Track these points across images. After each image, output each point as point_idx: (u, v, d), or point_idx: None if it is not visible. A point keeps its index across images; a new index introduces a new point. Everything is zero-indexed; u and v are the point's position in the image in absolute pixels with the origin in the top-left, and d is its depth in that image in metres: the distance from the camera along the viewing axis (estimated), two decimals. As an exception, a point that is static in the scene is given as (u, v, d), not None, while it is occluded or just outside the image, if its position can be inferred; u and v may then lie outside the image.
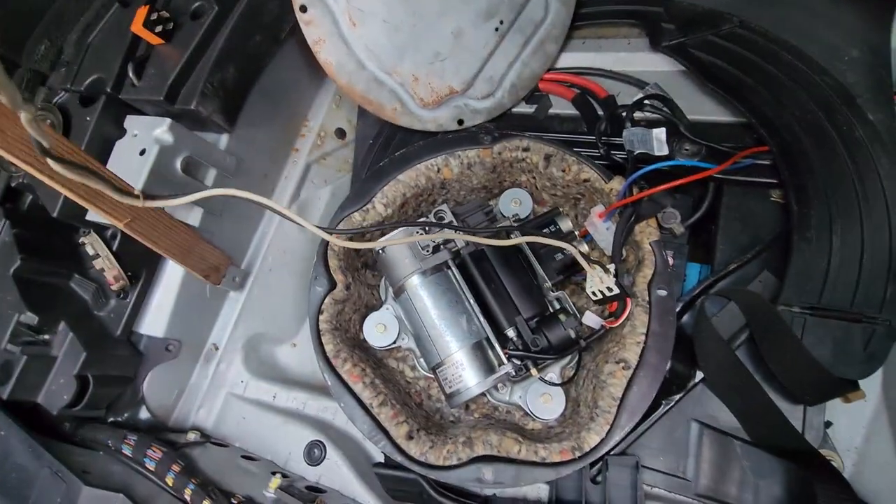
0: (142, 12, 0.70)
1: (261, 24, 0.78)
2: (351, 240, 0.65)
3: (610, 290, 0.56)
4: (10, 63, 0.77)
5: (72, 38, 0.79)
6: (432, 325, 0.64)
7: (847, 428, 0.64)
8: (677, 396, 0.67)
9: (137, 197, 0.25)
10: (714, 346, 0.63)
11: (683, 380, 0.67)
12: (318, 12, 0.77)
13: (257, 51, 0.79)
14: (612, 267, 0.57)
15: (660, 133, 0.69)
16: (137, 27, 0.70)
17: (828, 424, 0.64)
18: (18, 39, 0.77)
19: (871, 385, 0.64)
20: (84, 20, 0.78)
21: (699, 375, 0.67)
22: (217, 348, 0.86)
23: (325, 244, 0.68)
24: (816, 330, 0.61)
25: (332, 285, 0.67)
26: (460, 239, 0.67)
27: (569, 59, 0.87)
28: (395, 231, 0.66)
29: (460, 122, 0.86)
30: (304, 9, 0.76)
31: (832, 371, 0.59)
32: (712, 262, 0.73)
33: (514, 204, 0.74)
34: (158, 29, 0.71)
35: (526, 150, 0.69)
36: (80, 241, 0.72)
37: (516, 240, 0.52)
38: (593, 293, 0.58)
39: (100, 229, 0.72)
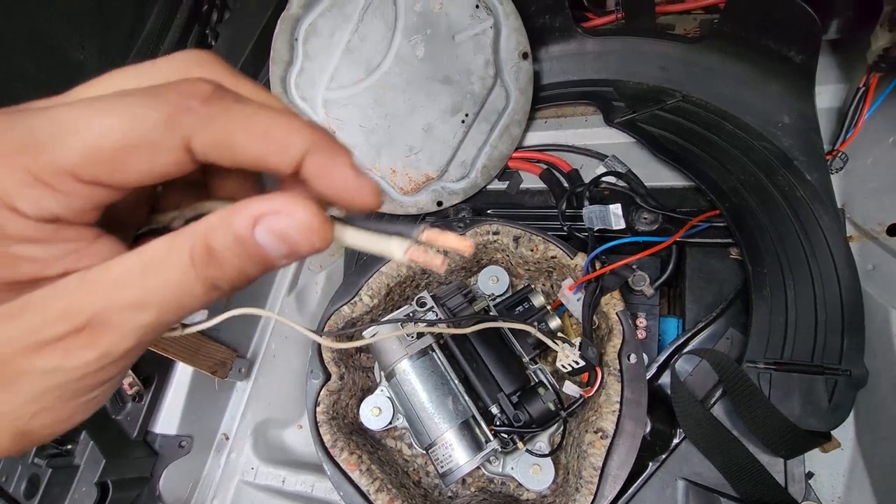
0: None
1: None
2: (338, 339, 0.70)
3: (577, 362, 0.60)
4: None
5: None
6: (422, 408, 0.69)
7: (829, 477, 0.65)
8: (663, 456, 0.69)
9: (176, 328, 0.28)
10: (689, 405, 0.67)
11: (666, 439, 0.70)
12: (301, 125, 0.86)
13: (249, 163, 0.88)
14: (577, 341, 0.61)
15: (616, 209, 0.74)
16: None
17: (810, 475, 0.66)
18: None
19: (846, 433, 0.66)
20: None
21: (681, 433, 0.70)
22: (227, 438, 0.91)
23: (319, 338, 0.74)
24: (782, 384, 0.64)
25: (328, 377, 0.72)
26: (440, 330, 0.72)
27: (534, 138, 0.94)
28: (381, 326, 0.71)
29: (439, 203, 0.93)
30: (288, 123, 0.86)
31: (802, 424, 0.61)
32: (684, 320, 0.77)
33: (492, 281, 0.79)
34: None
35: (496, 233, 0.76)
36: (97, 351, 0.78)
37: (479, 326, 0.56)
38: (563, 367, 0.62)
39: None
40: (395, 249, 0.24)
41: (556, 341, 0.61)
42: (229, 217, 0.19)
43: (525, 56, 0.87)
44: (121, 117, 0.18)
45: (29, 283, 0.19)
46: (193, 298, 0.19)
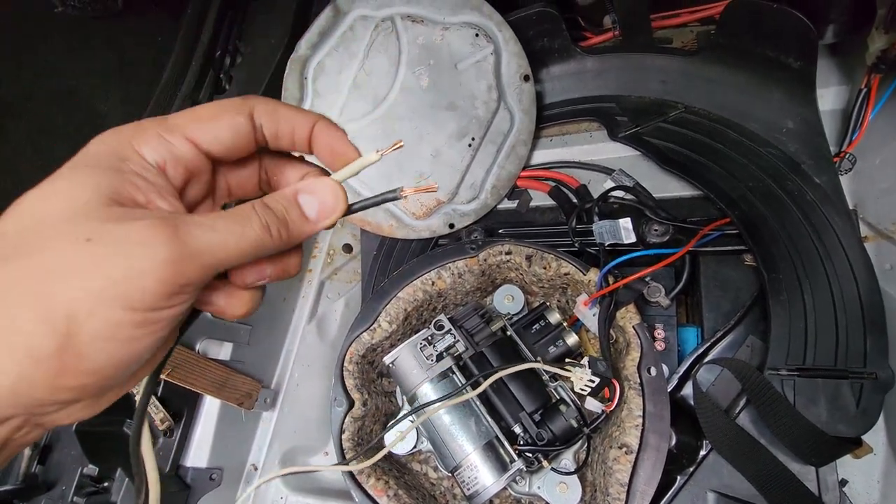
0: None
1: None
2: (366, 456, 0.68)
3: (592, 381, 0.61)
4: None
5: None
6: (445, 431, 0.69)
7: (863, 484, 0.64)
8: (691, 469, 0.69)
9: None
10: (714, 416, 0.66)
11: (693, 452, 0.69)
12: (314, 160, 0.89)
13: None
14: (585, 360, 0.62)
15: (626, 223, 0.75)
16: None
17: (843, 483, 0.64)
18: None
19: (877, 437, 0.65)
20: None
21: (708, 445, 0.69)
22: (256, 468, 0.92)
23: (341, 366, 0.76)
24: (807, 391, 0.63)
25: (351, 404, 0.74)
26: (461, 344, 0.73)
27: (540, 156, 0.96)
28: (400, 351, 0.73)
29: (451, 225, 0.95)
30: (301, 159, 0.89)
31: (830, 430, 0.61)
32: (702, 328, 0.77)
33: (508, 300, 0.81)
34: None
35: (508, 253, 0.77)
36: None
37: (487, 382, 0.58)
38: (581, 390, 0.62)
39: (145, 377, 0.82)
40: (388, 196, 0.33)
41: (566, 368, 0.61)
42: (282, 190, 0.30)
43: (526, 78, 0.89)
44: (212, 106, 0.30)
45: (130, 205, 0.26)
46: (256, 234, 0.28)
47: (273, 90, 0.91)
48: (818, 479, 0.63)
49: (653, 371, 0.66)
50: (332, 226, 0.32)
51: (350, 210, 0.33)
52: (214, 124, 0.29)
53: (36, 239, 0.23)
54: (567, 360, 0.65)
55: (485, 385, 0.63)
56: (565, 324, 0.74)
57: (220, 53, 0.97)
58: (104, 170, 0.26)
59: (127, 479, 0.74)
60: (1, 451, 0.26)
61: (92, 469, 0.74)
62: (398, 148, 0.33)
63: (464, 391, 0.66)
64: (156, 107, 0.95)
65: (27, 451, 0.78)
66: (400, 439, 0.70)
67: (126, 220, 0.24)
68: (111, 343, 0.23)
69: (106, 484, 0.75)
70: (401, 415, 0.77)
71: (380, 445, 0.70)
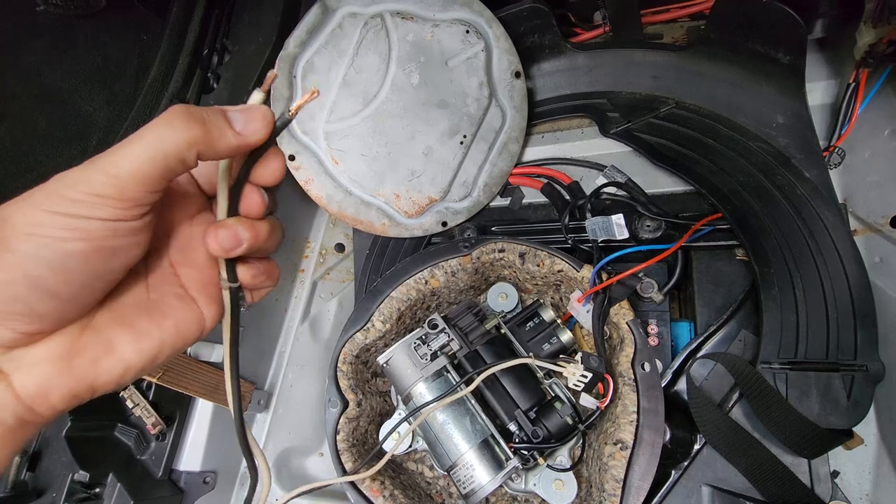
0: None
1: (257, 177, 0.90)
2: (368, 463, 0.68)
3: (584, 376, 0.61)
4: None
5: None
6: (440, 430, 0.69)
7: (855, 475, 0.65)
8: (685, 464, 0.69)
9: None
10: (707, 411, 0.67)
11: (687, 446, 0.70)
12: (305, 159, 0.88)
13: (257, 199, 0.91)
14: (578, 357, 0.62)
15: (618, 219, 0.75)
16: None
17: (836, 474, 0.65)
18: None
19: (868, 429, 0.65)
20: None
21: (702, 439, 0.69)
22: (251, 470, 0.91)
23: (335, 367, 0.75)
24: (799, 384, 0.64)
25: (345, 404, 0.73)
26: (455, 343, 0.73)
27: (532, 153, 0.96)
28: (394, 351, 0.72)
29: (444, 223, 0.94)
30: (292, 158, 0.88)
31: (822, 423, 0.61)
32: (695, 323, 0.77)
33: (501, 298, 0.80)
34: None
35: (501, 251, 0.77)
36: (120, 394, 0.80)
37: (478, 379, 0.57)
38: (575, 386, 0.62)
39: (136, 382, 0.81)
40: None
41: (559, 364, 0.61)
42: None
43: (518, 75, 0.89)
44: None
45: None
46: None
47: (262, 89, 0.90)
48: (810, 470, 0.64)
49: (647, 367, 0.66)
50: (264, 138, 0.32)
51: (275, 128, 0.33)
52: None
53: None
54: (560, 356, 0.65)
55: (478, 380, 0.63)
56: (559, 321, 0.74)
57: (207, 52, 0.95)
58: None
59: (119, 484, 0.74)
60: None
61: (83, 475, 0.73)
62: (315, 96, 0.34)
63: (458, 389, 0.66)
64: (143, 107, 0.93)
65: (16, 459, 0.77)
66: (399, 443, 0.70)
67: None
68: (35, 237, 0.25)
69: (97, 490, 0.74)
70: (395, 415, 0.76)
71: (381, 451, 0.70)
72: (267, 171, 0.33)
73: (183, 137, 0.27)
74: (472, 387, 0.64)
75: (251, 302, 0.37)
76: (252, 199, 0.33)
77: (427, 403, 0.67)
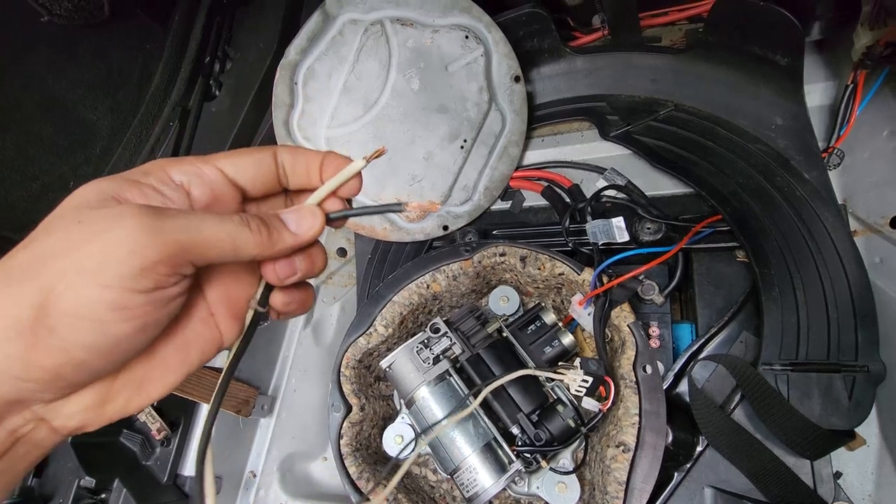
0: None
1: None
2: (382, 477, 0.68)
3: (586, 380, 0.61)
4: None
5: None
6: (443, 434, 0.69)
7: (857, 476, 0.65)
8: (687, 466, 0.69)
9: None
10: (709, 412, 0.67)
11: (689, 448, 0.70)
12: (306, 164, 0.89)
13: (259, 205, 0.92)
14: (577, 363, 0.62)
15: (618, 222, 0.76)
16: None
17: (838, 475, 0.65)
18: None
19: (870, 429, 0.65)
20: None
21: (704, 441, 0.70)
22: (255, 475, 0.92)
23: (338, 371, 0.76)
24: (800, 385, 0.64)
25: (349, 409, 0.74)
26: (457, 346, 0.73)
27: (533, 157, 0.96)
28: (397, 355, 0.73)
29: (445, 227, 0.95)
30: (293, 163, 0.89)
31: (823, 424, 0.61)
32: (696, 325, 0.77)
33: (503, 302, 0.81)
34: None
35: (503, 254, 0.77)
36: (125, 399, 0.81)
37: (485, 392, 0.58)
38: (577, 391, 0.63)
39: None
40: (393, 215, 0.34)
41: (559, 371, 0.62)
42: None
43: (517, 79, 0.89)
44: (245, 148, 0.34)
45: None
46: (233, 225, 0.29)
47: (263, 95, 0.90)
48: (813, 471, 0.64)
49: (648, 369, 0.66)
50: (318, 234, 0.34)
51: (343, 216, 0.36)
52: (242, 158, 0.33)
53: (45, 227, 0.26)
54: (560, 363, 0.65)
55: (485, 393, 0.63)
56: (561, 324, 0.74)
57: (209, 60, 0.96)
58: (119, 179, 0.28)
59: (125, 489, 0.74)
60: (14, 448, 0.26)
61: (89, 481, 0.74)
62: (380, 155, 0.36)
63: (467, 402, 0.66)
64: (146, 114, 0.94)
65: (23, 465, 0.78)
66: (413, 457, 0.70)
67: (114, 206, 0.26)
68: (83, 322, 0.24)
69: (103, 496, 0.75)
70: (398, 419, 0.77)
71: (382, 457, 0.70)
72: (316, 258, 0.35)
73: (252, 242, 0.29)
74: (480, 398, 0.64)
75: (275, 319, 0.37)
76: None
77: (433, 416, 0.67)
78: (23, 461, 0.27)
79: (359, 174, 0.36)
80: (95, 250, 0.24)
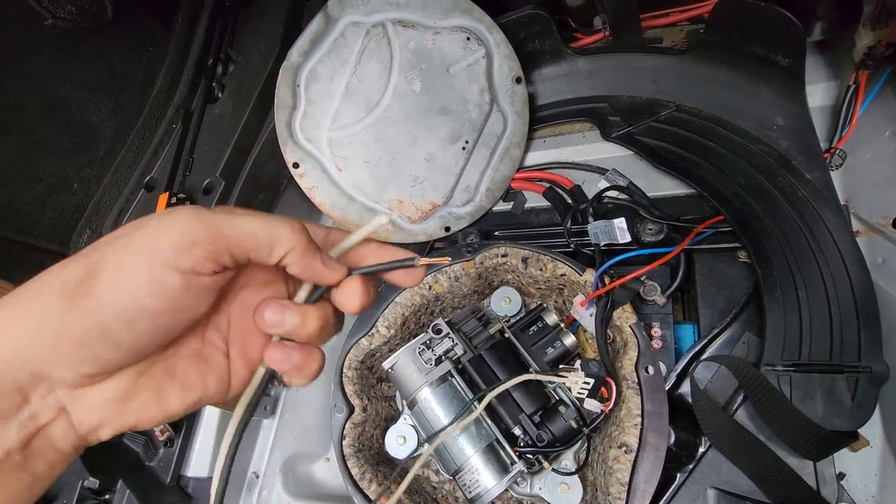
0: (163, 198, 0.83)
1: (262, 185, 0.91)
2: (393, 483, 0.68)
3: (587, 382, 0.61)
4: (60, 255, 0.90)
5: (108, 224, 0.93)
6: (445, 433, 0.69)
7: (861, 477, 0.65)
8: (690, 467, 0.69)
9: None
10: (712, 413, 0.67)
11: (692, 449, 0.70)
12: (309, 166, 0.89)
13: (261, 207, 0.92)
14: (577, 365, 0.62)
15: (620, 223, 0.76)
16: (161, 211, 0.83)
17: (841, 476, 0.65)
18: (66, 233, 0.92)
19: (874, 430, 0.65)
20: (117, 207, 0.92)
21: (707, 442, 0.70)
22: (258, 476, 0.92)
23: (341, 372, 0.76)
24: (803, 386, 0.64)
25: (351, 410, 0.74)
26: (459, 347, 0.73)
27: (534, 158, 0.97)
28: (399, 356, 0.73)
29: (447, 228, 0.95)
30: (296, 165, 0.89)
31: (826, 424, 0.61)
32: (698, 326, 0.77)
33: (505, 303, 0.81)
34: (178, 208, 0.84)
35: (504, 255, 0.77)
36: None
37: (489, 396, 0.58)
38: (579, 394, 0.63)
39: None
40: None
41: (561, 374, 0.62)
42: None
43: (518, 80, 0.89)
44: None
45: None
46: (276, 221, 0.31)
47: (265, 97, 0.91)
48: (816, 472, 0.63)
49: (650, 370, 0.66)
50: (338, 281, 0.34)
51: (365, 272, 0.36)
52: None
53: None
54: (561, 365, 0.65)
55: (489, 398, 0.63)
56: (563, 325, 0.74)
57: (212, 62, 0.97)
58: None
59: (128, 490, 0.74)
60: (34, 440, 0.27)
61: (93, 482, 0.74)
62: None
63: (472, 407, 0.66)
64: (149, 116, 0.95)
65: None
66: (422, 462, 0.69)
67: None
68: (118, 288, 0.26)
69: (107, 497, 0.75)
70: (401, 419, 0.77)
71: (384, 458, 0.70)
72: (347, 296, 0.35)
73: (287, 237, 0.30)
74: (485, 403, 0.64)
75: (288, 385, 0.36)
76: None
77: (435, 417, 0.67)
78: (40, 460, 0.27)
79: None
80: (148, 232, 0.27)
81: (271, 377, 0.34)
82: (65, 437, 0.28)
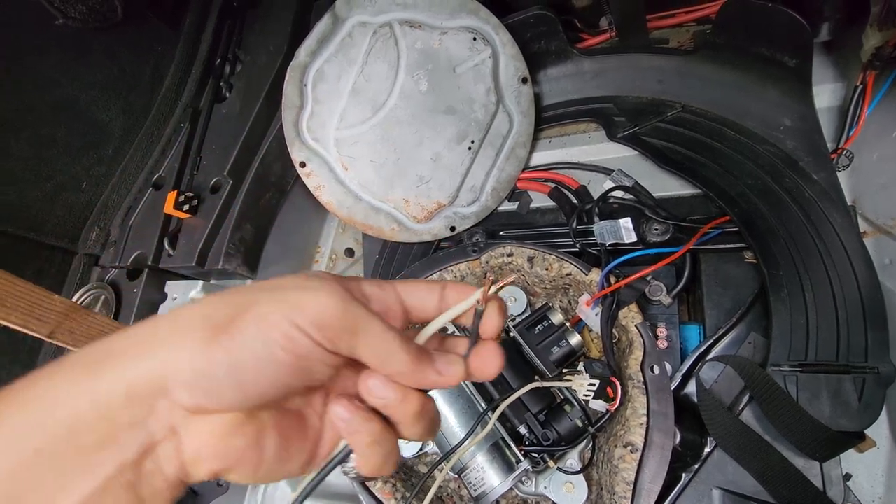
0: (171, 196, 0.84)
1: (269, 184, 0.92)
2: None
3: (593, 384, 0.61)
4: (69, 252, 0.91)
5: (116, 222, 0.93)
6: (451, 432, 0.70)
7: (867, 478, 0.65)
8: (695, 466, 0.69)
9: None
10: (717, 413, 0.67)
11: (697, 449, 0.70)
12: (316, 165, 0.90)
13: (268, 205, 0.92)
14: (581, 367, 0.62)
15: (626, 223, 0.76)
16: (169, 209, 0.83)
17: (848, 477, 0.65)
18: (75, 231, 0.92)
19: (881, 431, 0.65)
20: (125, 205, 0.93)
21: (712, 442, 0.69)
22: (263, 473, 0.92)
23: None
24: (810, 386, 0.64)
25: (357, 407, 0.74)
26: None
27: (540, 158, 0.97)
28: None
29: (452, 228, 0.95)
30: (303, 164, 0.90)
31: (833, 425, 0.61)
32: (704, 326, 0.77)
33: (510, 302, 0.81)
34: (186, 207, 0.84)
35: (510, 255, 0.77)
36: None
37: (502, 407, 0.58)
38: (585, 396, 0.63)
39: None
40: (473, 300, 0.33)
41: (566, 378, 0.62)
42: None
43: (524, 81, 0.90)
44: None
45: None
46: (394, 333, 0.31)
47: (273, 97, 0.91)
48: (822, 473, 0.63)
49: (656, 369, 0.66)
50: (459, 381, 0.33)
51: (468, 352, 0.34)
52: (416, 285, 0.35)
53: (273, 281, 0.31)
54: (564, 369, 0.66)
55: (503, 406, 0.63)
56: (568, 324, 0.74)
57: (220, 62, 0.98)
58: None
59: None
60: (146, 459, 0.26)
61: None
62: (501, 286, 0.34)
63: (486, 418, 0.66)
64: (157, 115, 0.95)
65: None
66: (442, 476, 0.69)
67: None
68: (256, 334, 0.27)
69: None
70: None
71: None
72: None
73: (402, 361, 0.30)
74: (498, 413, 0.64)
75: (357, 469, 0.33)
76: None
77: (440, 416, 0.67)
78: (147, 484, 0.27)
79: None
80: (298, 295, 0.29)
81: (341, 453, 0.33)
82: (170, 462, 0.28)
